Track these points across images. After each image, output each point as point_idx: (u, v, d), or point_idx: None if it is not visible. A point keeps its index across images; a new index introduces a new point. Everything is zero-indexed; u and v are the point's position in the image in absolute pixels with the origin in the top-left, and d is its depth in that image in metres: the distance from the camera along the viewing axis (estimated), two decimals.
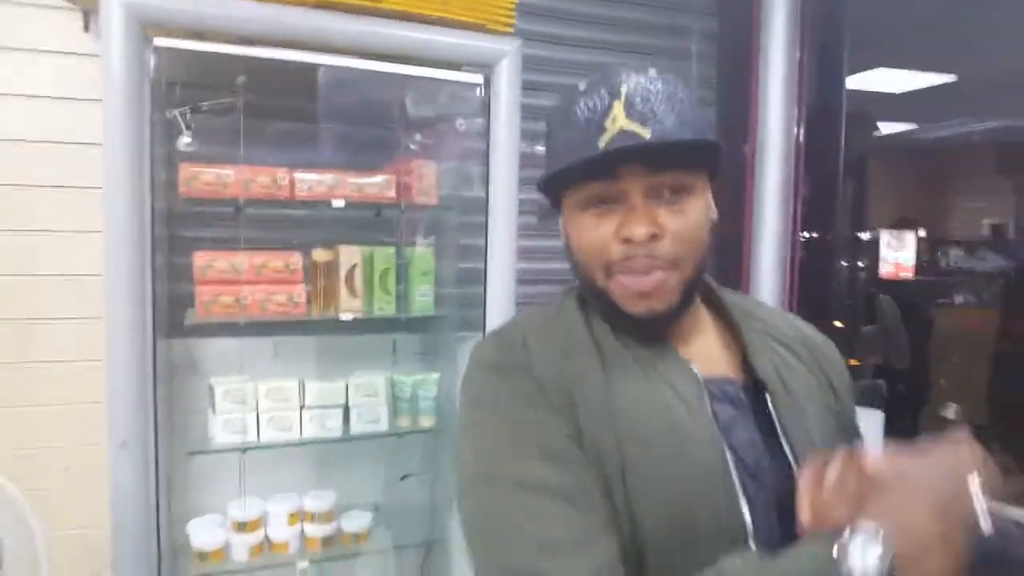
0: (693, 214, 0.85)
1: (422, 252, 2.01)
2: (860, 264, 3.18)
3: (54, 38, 1.94)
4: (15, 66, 1.92)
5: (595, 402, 0.84)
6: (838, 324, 2.75)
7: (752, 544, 0.81)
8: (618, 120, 0.82)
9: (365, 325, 2.06)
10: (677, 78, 0.86)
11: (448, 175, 2.06)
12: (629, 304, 0.87)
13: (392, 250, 1.97)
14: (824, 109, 2.65)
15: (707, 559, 0.78)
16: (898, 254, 3.11)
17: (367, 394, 1.95)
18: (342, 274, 1.90)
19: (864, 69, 3.36)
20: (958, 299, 3.36)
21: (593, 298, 0.92)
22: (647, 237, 0.83)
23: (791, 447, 0.87)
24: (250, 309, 1.79)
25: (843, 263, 2.96)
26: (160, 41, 1.60)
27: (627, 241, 0.84)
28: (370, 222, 2.04)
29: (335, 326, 1.94)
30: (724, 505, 0.82)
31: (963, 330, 3.30)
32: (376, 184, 1.91)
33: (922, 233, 3.15)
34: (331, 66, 1.76)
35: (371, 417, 1.95)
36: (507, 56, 1.83)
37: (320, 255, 1.90)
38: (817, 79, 2.58)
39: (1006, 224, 3.34)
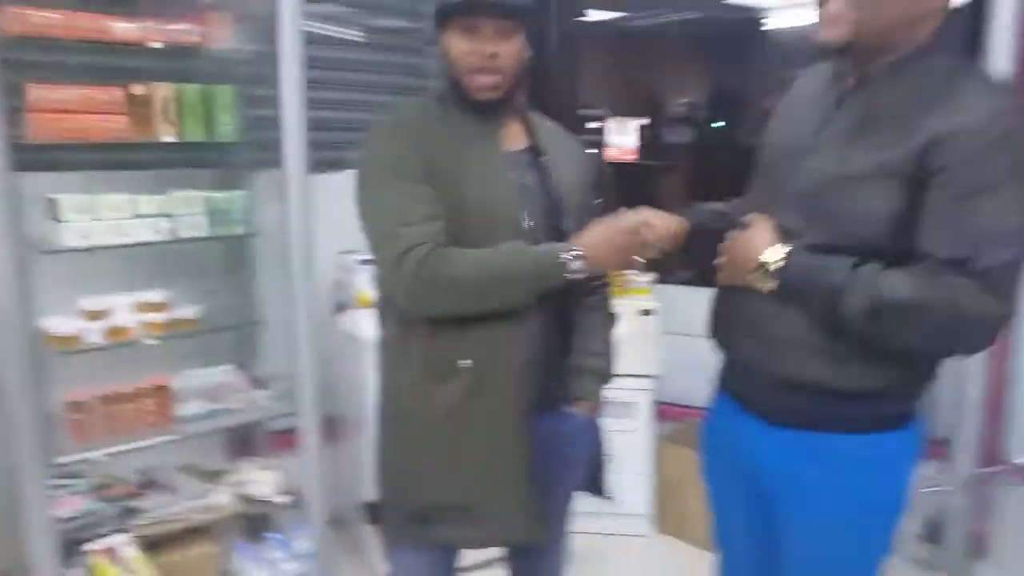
0: (516, 46, 1.55)
1: (222, 89, 2.46)
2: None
3: None
4: None
5: (441, 149, 1.55)
6: None
7: (530, 235, 1.59)
8: None
9: (180, 154, 2.49)
10: None
11: (244, 30, 2.48)
12: (476, 92, 1.55)
13: (198, 87, 2.40)
14: None
15: (502, 239, 1.54)
16: (622, 138, 3.98)
17: (190, 205, 2.42)
18: (158, 106, 2.32)
19: None
20: (659, 164, 4.30)
21: (453, 90, 1.58)
22: (491, 54, 1.51)
23: (556, 184, 1.65)
24: (85, 133, 2.17)
25: None
26: None
27: (479, 55, 1.50)
28: (179, 63, 2.44)
29: (157, 152, 2.34)
30: (514, 214, 1.57)
31: (662, 188, 4.34)
32: (182, 31, 2.33)
33: (642, 120, 3.97)
34: None
35: (194, 224, 2.43)
36: None
37: (137, 89, 2.29)
38: None
39: (696, 102, 4.20)
